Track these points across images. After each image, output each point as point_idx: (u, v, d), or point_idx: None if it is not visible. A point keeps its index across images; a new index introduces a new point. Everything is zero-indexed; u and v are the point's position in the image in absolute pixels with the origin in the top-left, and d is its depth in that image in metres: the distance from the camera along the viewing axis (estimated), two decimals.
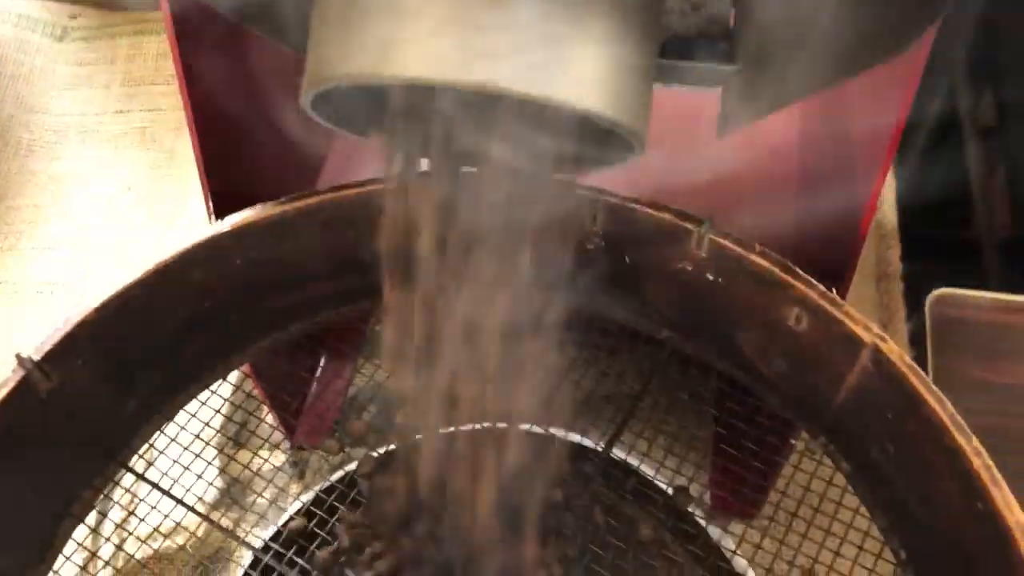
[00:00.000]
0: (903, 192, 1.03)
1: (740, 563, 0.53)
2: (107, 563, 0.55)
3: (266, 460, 0.59)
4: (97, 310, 0.47)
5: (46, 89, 1.03)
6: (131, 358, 0.51)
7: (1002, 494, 0.42)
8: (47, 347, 0.46)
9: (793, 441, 0.58)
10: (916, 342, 0.85)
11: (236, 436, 0.60)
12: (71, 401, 0.49)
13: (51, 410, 0.48)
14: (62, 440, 0.49)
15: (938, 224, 1.18)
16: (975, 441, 0.44)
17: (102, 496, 0.54)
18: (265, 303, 0.55)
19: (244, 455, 0.58)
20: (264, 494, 0.56)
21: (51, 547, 0.51)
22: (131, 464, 0.55)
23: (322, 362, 0.77)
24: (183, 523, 0.53)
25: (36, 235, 0.94)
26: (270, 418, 0.63)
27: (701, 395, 0.61)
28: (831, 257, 0.55)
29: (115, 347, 0.50)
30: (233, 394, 0.62)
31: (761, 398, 0.56)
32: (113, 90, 1.02)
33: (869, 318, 0.48)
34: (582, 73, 0.35)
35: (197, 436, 0.56)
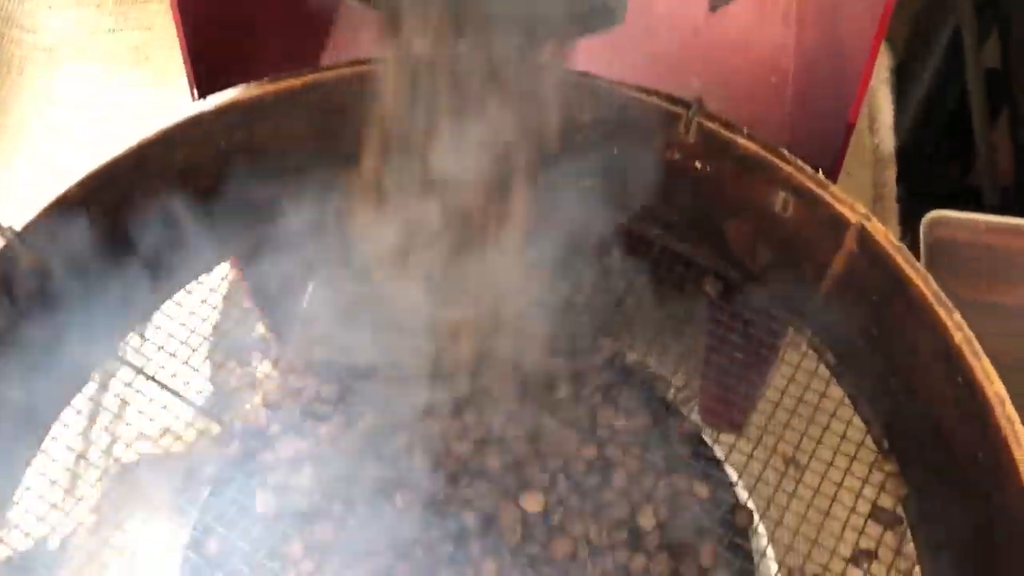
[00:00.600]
0: (904, 136, 1.02)
1: (720, 450, 0.54)
2: (96, 443, 0.55)
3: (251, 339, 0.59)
4: (80, 185, 0.47)
5: (37, 7, 1.01)
6: (115, 239, 0.50)
7: (982, 365, 0.42)
8: (28, 219, 0.46)
9: (778, 343, 0.58)
10: None
11: (223, 328, 0.60)
12: (54, 279, 0.48)
13: (34, 287, 0.47)
14: (46, 319, 0.49)
15: (938, 170, 1.17)
16: (957, 316, 0.44)
17: (90, 382, 0.54)
18: (250, 192, 0.55)
19: (230, 344, 0.58)
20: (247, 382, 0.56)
21: (39, 429, 0.51)
22: (117, 351, 0.55)
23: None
24: (168, 409, 0.53)
25: (26, 152, 0.94)
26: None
27: (690, 295, 0.60)
28: (821, 146, 0.54)
29: (99, 226, 0.49)
30: (217, 293, 0.62)
31: (749, 293, 0.56)
32: (105, 8, 1.01)
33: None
34: None
35: (183, 325, 0.56)
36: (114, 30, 1.01)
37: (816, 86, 0.63)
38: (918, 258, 0.81)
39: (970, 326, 0.71)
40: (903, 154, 0.98)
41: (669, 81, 0.65)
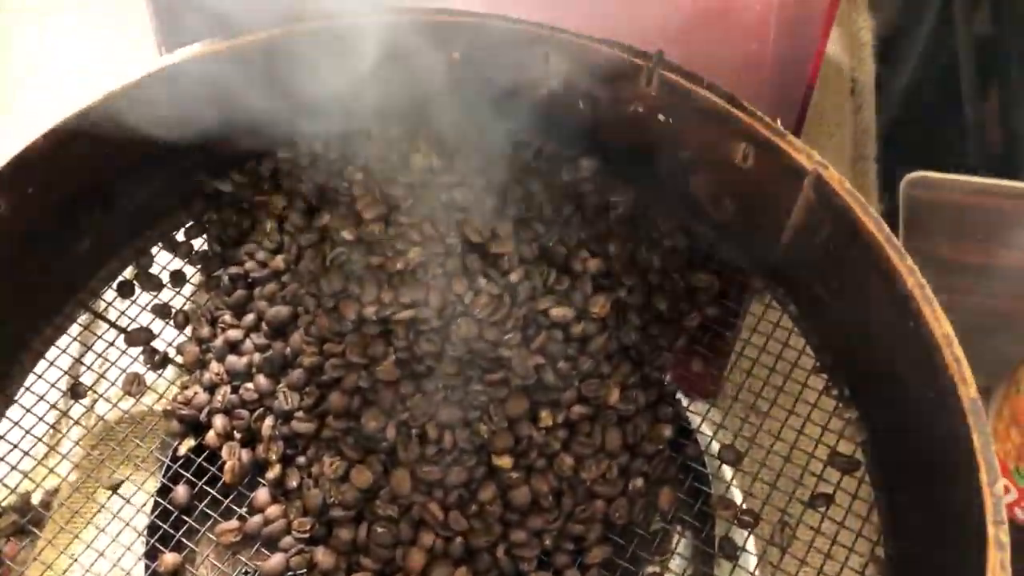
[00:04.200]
0: (895, 105, 1.02)
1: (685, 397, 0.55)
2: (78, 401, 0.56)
3: None
4: (46, 136, 0.48)
5: None
6: (84, 191, 0.51)
7: (932, 309, 0.42)
8: None
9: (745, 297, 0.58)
10: (889, 224, 0.85)
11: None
12: (23, 232, 0.49)
13: (3, 238, 0.48)
14: (17, 271, 0.50)
15: (929, 138, 1.17)
16: (909, 261, 0.44)
17: (68, 337, 0.55)
18: (220, 148, 0.56)
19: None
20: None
21: (10, 377, 0.52)
22: (91, 304, 0.56)
23: None
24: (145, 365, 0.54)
25: (19, 112, 0.95)
26: None
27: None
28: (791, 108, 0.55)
29: (67, 178, 0.50)
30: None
31: (714, 246, 0.56)
32: None
33: None
34: None
35: (152, 277, 0.57)
36: None
37: (789, 51, 0.63)
38: (898, 218, 0.82)
39: (949, 286, 0.71)
40: (895, 122, 0.98)
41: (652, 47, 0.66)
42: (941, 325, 0.42)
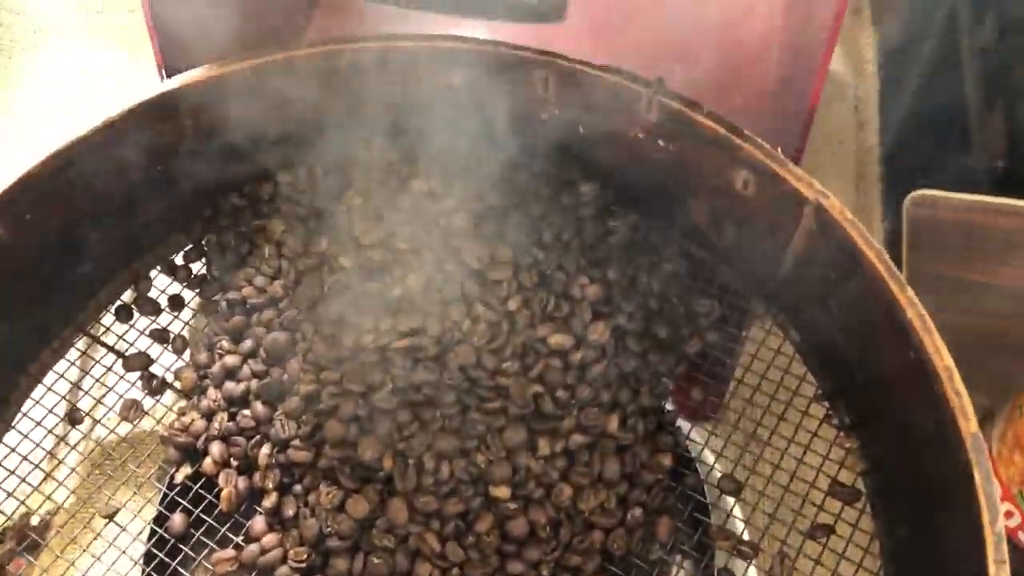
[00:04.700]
0: (899, 121, 1.01)
1: (685, 425, 0.54)
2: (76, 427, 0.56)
3: None
4: (44, 163, 0.48)
5: None
6: (82, 216, 0.51)
7: (932, 340, 0.42)
8: None
9: (745, 322, 0.58)
10: (892, 242, 0.85)
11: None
12: (21, 257, 0.49)
13: (1, 263, 0.48)
14: (14, 297, 0.50)
15: (933, 153, 1.16)
16: (910, 291, 0.44)
17: (66, 362, 0.55)
18: (219, 172, 0.55)
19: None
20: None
21: (8, 402, 0.52)
22: (89, 329, 0.56)
23: None
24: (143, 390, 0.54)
25: (15, 131, 0.95)
26: None
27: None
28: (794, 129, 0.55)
29: (65, 203, 0.50)
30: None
31: (715, 271, 0.56)
32: None
33: None
34: None
35: (151, 301, 0.57)
36: (101, 12, 1.02)
37: (792, 70, 0.63)
38: (901, 237, 0.82)
39: (953, 305, 0.70)
40: (898, 140, 0.98)
41: (656, 69, 0.66)
42: (942, 357, 0.42)
